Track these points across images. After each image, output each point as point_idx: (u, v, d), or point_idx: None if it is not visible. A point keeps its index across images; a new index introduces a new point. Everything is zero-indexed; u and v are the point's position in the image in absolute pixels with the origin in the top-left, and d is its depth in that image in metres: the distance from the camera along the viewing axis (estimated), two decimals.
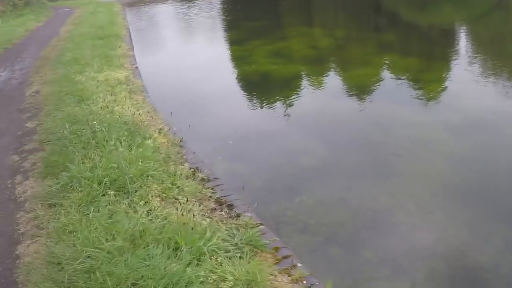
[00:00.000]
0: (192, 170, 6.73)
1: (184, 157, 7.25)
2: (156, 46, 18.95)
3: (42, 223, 5.55)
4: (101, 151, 6.81)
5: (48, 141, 7.78)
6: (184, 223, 5.07)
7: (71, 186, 6.07)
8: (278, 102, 10.88)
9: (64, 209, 5.62)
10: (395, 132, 8.88)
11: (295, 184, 7.50)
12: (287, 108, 10.45)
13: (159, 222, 5.22)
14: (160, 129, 8.16)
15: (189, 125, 6.98)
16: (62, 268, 4.71)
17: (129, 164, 6.19)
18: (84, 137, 7.32)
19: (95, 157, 6.59)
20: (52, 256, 4.90)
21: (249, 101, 11.05)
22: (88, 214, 5.44)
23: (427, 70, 12.69)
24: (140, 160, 6.35)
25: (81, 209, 5.57)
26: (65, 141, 7.42)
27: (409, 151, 8.24)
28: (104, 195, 5.76)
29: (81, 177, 6.12)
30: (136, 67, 12.88)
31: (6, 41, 19.16)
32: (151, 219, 5.27)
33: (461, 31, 18.25)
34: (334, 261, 5.90)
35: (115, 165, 6.11)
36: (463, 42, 16.27)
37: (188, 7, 28.09)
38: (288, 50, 15.52)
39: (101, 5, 27.82)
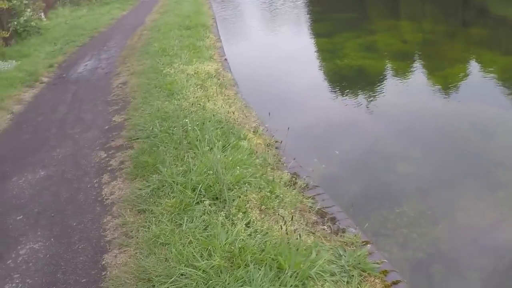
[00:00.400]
0: (291, 176, 6.20)
1: (281, 160, 6.72)
2: (242, 37, 18.53)
3: (131, 231, 5.18)
4: (194, 153, 6.39)
5: (137, 138, 7.46)
6: (288, 242, 4.53)
7: (162, 191, 5.68)
8: (373, 100, 10.15)
9: (154, 217, 5.23)
10: (497, 139, 8.04)
11: (393, 192, 6.85)
12: (383, 108, 9.73)
13: (260, 238, 4.71)
14: (255, 128, 7.67)
15: (288, 128, 6.41)
16: (153, 286, 4.31)
17: (225, 169, 5.71)
18: (176, 136, 6.91)
19: (187, 160, 6.16)
20: (141, 270, 4.52)
21: (344, 99, 10.37)
22: (181, 224, 5.02)
23: None
24: (237, 165, 5.87)
25: (173, 218, 5.16)
26: (155, 139, 7.05)
27: None
28: (198, 203, 5.32)
29: (173, 181, 5.71)
30: (225, 59, 12.48)
31: (92, 29, 19.36)
32: (250, 234, 4.77)
33: None
34: (435, 281, 5.28)
35: (211, 171, 5.64)
36: None
37: None
38: (380, 44, 14.72)
39: None
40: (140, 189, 5.88)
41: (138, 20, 20.34)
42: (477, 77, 11.22)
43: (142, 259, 4.63)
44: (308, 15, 21.53)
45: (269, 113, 6.67)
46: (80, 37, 18.07)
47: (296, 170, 6.52)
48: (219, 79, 10.09)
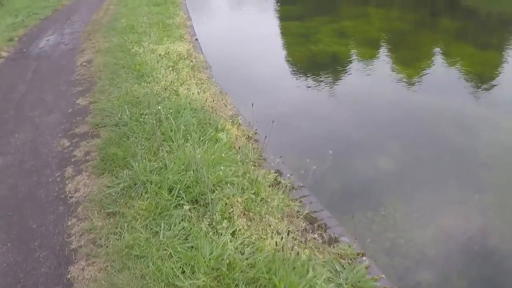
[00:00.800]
0: (275, 174, 5.55)
1: (262, 156, 6.07)
2: (213, 15, 17.69)
3: (100, 239, 4.48)
4: (168, 145, 5.67)
5: (104, 126, 6.69)
6: (283, 260, 3.90)
7: (134, 191, 4.98)
8: (349, 89, 9.54)
9: (126, 222, 4.54)
10: (481, 138, 7.57)
11: (376, 191, 6.28)
12: (358, 99, 9.15)
13: (248, 251, 4.08)
14: (232, 117, 6.99)
15: (273, 121, 5.76)
16: None
17: (205, 167, 5.02)
18: (148, 125, 6.18)
19: (162, 154, 5.45)
20: None
21: (320, 86, 9.73)
22: (157, 232, 4.34)
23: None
24: (218, 163, 5.20)
25: (148, 224, 4.48)
26: (125, 128, 6.31)
27: (501, 161, 6.90)
28: (176, 207, 4.64)
29: (147, 180, 4.99)
30: (196, 39, 11.70)
31: (55, 1, 18.24)
32: (237, 248, 4.12)
33: None
34: None
35: (190, 171, 4.96)
36: None
37: None
38: (354, 30, 14.09)
39: None
40: (109, 187, 5.17)
41: None
42: (450, 68, 10.75)
43: (114, 275, 3.96)
44: None
45: (252, 104, 5.99)
46: (44, 9, 16.94)
47: (279, 167, 5.88)
48: (191, 61, 9.33)
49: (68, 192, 5.33)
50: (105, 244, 4.37)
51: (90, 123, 6.87)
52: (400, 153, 7.17)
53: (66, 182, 5.54)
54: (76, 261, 4.27)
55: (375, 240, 5.39)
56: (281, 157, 5.86)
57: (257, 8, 18.67)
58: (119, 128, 6.37)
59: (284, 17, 16.48)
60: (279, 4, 19.16)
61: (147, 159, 5.43)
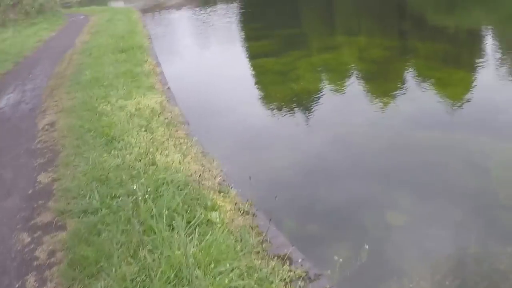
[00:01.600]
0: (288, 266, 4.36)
1: (264, 236, 4.86)
2: (183, 57, 16.52)
3: None
4: (151, 239, 4.42)
5: (70, 211, 5.39)
6: None
7: None
8: (350, 133, 8.44)
9: None
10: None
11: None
12: (351, 142, 8.09)
13: None
14: (220, 185, 5.79)
15: (276, 197, 4.59)
16: None
17: (202, 271, 3.79)
18: (123, 212, 4.91)
19: (144, 253, 4.19)
20: None
21: (312, 134, 8.59)
22: None
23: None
24: (215, 258, 3.99)
25: None
26: (94, 218, 5.03)
27: None
28: None
29: None
30: (168, 88, 10.51)
31: (16, 53, 16.92)
32: None
33: None
34: None
35: (183, 277, 3.72)
36: None
37: (207, 13, 25.75)
38: (335, 63, 13.10)
39: (118, 11, 25.48)
40: None
41: (67, 42, 18.01)
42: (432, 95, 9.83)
43: None
44: (249, 32, 19.79)
45: (250, 177, 4.83)
46: (3, 63, 15.55)
47: (285, 247, 4.69)
48: (166, 117, 8.11)
49: None
50: None
51: (54, 210, 5.56)
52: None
53: None
54: None
55: None
56: (293, 246, 4.65)
57: (227, 46, 17.63)
58: (88, 218, 5.07)
59: (257, 54, 15.37)
60: (250, 40, 18.14)
61: (125, 262, 4.18)
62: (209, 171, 6.26)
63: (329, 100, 10.19)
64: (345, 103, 10.06)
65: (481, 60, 12.33)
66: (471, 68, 11.78)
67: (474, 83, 10.57)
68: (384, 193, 6.42)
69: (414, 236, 5.57)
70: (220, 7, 28.20)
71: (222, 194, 5.62)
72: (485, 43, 14.67)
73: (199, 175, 5.87)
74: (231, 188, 5.81)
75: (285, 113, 9.63)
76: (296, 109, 9.84)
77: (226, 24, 21.99)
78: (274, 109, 10.00)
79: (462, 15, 19.64)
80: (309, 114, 9.47)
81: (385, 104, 9.76)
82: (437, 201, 6.10)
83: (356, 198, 6.37)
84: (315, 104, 9.94)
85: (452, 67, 11.91)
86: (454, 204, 6.01)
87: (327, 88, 11.00)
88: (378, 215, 5.92)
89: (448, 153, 7.33)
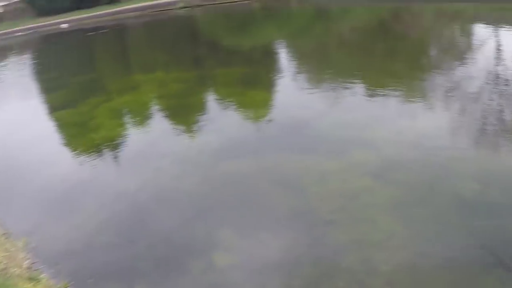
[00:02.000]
0: None
1: None
2: None
3: None
4: None
5: None
6: None
7: None
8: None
9: None
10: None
11: None
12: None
13: None
14: (30, 272, 5.39)
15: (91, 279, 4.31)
16: None
17: None
18: None
19: None
20: None
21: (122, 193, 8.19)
22: None
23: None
24: None
25: None
26: None
27: None
28: None
29: None
30: None
31: None
32: None
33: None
34: None
35: None
36: None
37: None
38: (135, 104, 12.97)
39: None
40: None
41: None
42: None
43: None
44: (44, 83, 18.81)
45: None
46: None
47: None
48: None
49: None
50: None
51: None
52: None
53: None
54: None
55: None
56: None
57: (21, 102, 16.46)
58: None
59: (55, 107, 14.58)
60: (46, 92, 17.27)
61: None
62: (15, 256, 5.77)
63: (133, 145, 10.03)
64: (150, 145, 9.92)
65: (278, 75, 13.08)
66: (271, 86, 12.38)
67: (275, 101, 11.10)
68: (207, 233, 6.26)
69: (244, 273, 5.46)
70: (12, 61, 26.64)
71: (32, 281, 5.21)
72: (280, 57, 15.60)
73: (4, 265, 5.39)
74: (42, 272, 5.39)
75: (89, 168, 9.21)
76: (100, 160, 9.50)
77: (19, 78, 20.78)
78: (79, 164, 9.54)
79: (255, 34, 20.61)
80: (114, 164, 9.22)
81: (192, 139, 9.83)
82: (263, 229, 6.10)
83: (179, 246, 6.19)
84: (119, 152, 9.71)
85: (252, 89, 12.36)
86: (281, 229, 6.08)
87: (130, 132, 10.81)
88: (204, 259, 5.76)
89: (264, 178, 7.45)
